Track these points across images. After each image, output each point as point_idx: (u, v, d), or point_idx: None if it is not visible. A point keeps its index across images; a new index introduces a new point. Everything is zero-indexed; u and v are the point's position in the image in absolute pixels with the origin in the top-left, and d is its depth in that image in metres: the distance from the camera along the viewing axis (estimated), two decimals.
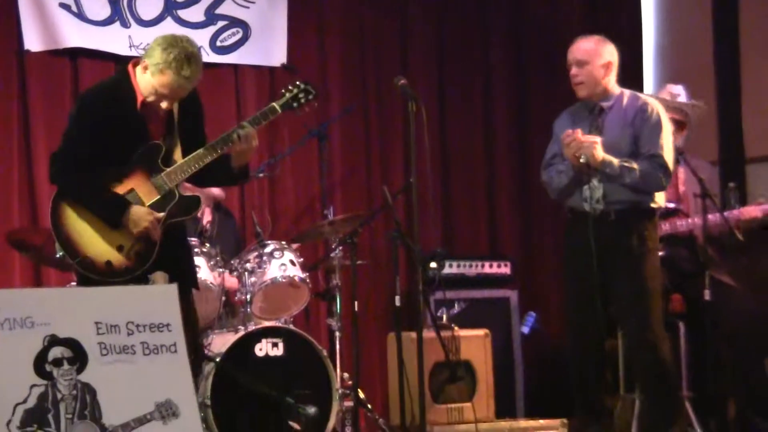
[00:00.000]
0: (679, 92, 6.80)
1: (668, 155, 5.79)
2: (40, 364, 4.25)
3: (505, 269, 8.09)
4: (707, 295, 5.99)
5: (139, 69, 5.12)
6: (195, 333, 5.39)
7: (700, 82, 8.23)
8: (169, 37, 5.11)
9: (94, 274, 5.01)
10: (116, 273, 5.01)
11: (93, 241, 5.03)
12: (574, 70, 5.93)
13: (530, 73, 8.99)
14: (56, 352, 4.27)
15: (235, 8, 7.87)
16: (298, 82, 5.51)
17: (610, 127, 5.86)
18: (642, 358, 5.91)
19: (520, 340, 7.92)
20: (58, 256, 5.02)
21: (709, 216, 6.24)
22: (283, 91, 5.48)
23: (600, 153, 5.73)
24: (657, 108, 5.91)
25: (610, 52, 5.92)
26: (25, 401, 4.20)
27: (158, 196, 5.14)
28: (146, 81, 5.08)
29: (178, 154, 5.21)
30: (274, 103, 5.40)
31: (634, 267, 5.79)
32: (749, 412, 6.72)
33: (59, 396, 4.24)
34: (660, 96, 6.66)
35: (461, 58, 8.75)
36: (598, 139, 5.75)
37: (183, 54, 5.03)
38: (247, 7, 7.91)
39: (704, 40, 8.72)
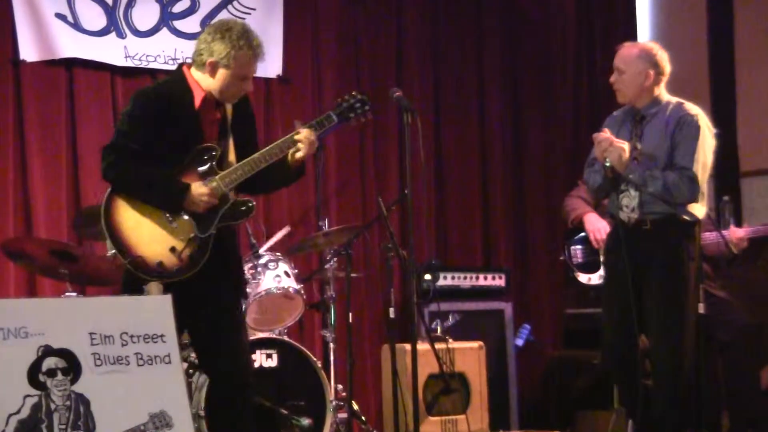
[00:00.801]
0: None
1: (700, 169, 5.71)
2: (34, 374, 4.24)
3: (499, 281, 8.08)
4: (702, 308, 5.97)
5: (195, 72, 5.05)
6: (244, 343, 5.24)
7: (695, 96, 8.22)
8: (214, 26, 5.08)
9: (146, 275, 4.89)
10: (168, 274, 4.90)
11: (146, 241, 4.92)
12: (613, 76, 5.90)
13: (526, 83, 9.01)
14: (50, 362, 4.27)
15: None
16: (354, 93, 5.41)
17: (649, 136, 5.80)
18: (664, 374, 5.85)
19: (514, 352, 7.92)
20: (108, 255, 4.92)
21: (706, 234, 6.25)
22: (339, 100, 5.39)
23: (626, 159, 5.71)
24: (699, 119, 5.82)
25: (652, 62, 5.83)
26: (18, 411, 4.19)
27: None
28: (216, 81, 5.01)
29: (232, 157, 5.13)
30: (330, 112, 5.32)
31: (666, 281, 5.75)
32: (743, 425, 6.72)
33: (53, 407, 4.24)
34: None
35: (456, 69, 8.77)
36: (626, 144, 5.71)
37: (241, 28, 5.03)
38: (243, 19, 7.88)
39: (699, 54, 8.75)
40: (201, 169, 5.02)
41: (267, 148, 5.13)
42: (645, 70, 5.83)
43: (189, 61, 5.17)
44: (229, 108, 5.16)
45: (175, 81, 5.12)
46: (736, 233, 6.57)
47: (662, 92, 5.89)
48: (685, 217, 5.78)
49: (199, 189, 4.96)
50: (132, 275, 4.92)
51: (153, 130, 4.95)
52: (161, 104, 4.99)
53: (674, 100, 5.90)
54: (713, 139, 5.87)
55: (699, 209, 5.82)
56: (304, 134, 5.17)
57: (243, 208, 5.12)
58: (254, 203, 5.18)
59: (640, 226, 5.76)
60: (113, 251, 4.88)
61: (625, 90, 5.86)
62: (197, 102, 5.04)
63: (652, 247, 5.75)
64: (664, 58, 5.89)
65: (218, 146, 5.07)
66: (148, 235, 4.94)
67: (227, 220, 5.08)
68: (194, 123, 5.04)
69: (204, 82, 5.04)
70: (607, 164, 5.68)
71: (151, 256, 4.91)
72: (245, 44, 5.00)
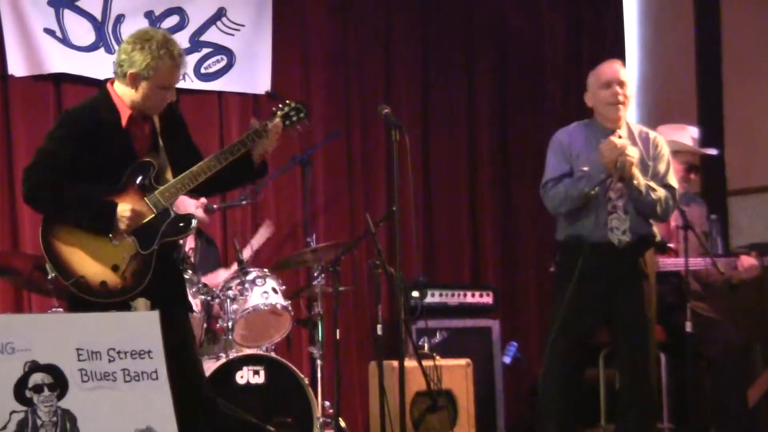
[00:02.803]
0: (697, 136, 6.88)
1: (677, 190, 5.94)
2: (20, 390, 4.23)
3: (487, 299, 8.09)
4: (689, 326, 5.99)
5: (118, 86, 4.98)
6: (197, 357, 5.25)
7: (683, 114, 8.27)
8: (134, 36, 4.98)
9: (89, 296, 4.83)
10: (112, 293, 4.84)
11: (87, 261, 4.84)
12: (617, 89, 5.87)
13: (514, 101, 9.03)
14: (37, 378, 4.25)
15: (220, 35, 7.89)
16: (288, 101, 5.42)
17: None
18: (638, 388, 5.88)
19: (501, 369, 7.92)
20: (49, 277, 4.89)
21: (700, 260, 6.29)
22: (274, 110, 5.37)
23: (636, 164, 5.74)
24: (665, 145, 6.00)
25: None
26: (4, 427, 4.17)
27: (153, 215, 4.97)
28: (138, 92, 4.93)
29: (169, 172, 5.08)
30: (266, 121, 5.27)
31: (640, 297, 5.81)
32: None
33: (39, 422, 4.22)
34: (681, 139, 6.71)
35: (445, 86, 8.79)
36: (636, 153, 5.74)
37: (162, 38, 4.95)
38: (232, 35, 7.93)
39: (687, 72, 8.77)
40: (140, 185, 4.96)
41: (206, 159, 5.07)
42: (633, 92, 5.93)
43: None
44: (156, 119, 5.09)
45: (99, 100, 5.01)
46: (747, 260, 6.56)
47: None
48: (658, 239, 5.97)
49: (121, 208, 4.88)
50: (75, 298, 4.87)
51: (80, 149, 4.85)
52: (88, 124, 4.90)
53: (630, 121, 6.05)
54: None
55: (656, 229, 5.99)
56: (273, 126, 5.22)
57: (182, 223, 5.06)
58: (195, 218, 5.14)
59: (620, 248, 5.80)
60: (54, 274, 4.83)
61: (627, 104, 5.90)
62: (124, 121, 4.96)
63: (627, 265, 5.81)
64: None
65: (154, 161, 5.01)
66: (89, 255, 4.86)
67: (168, 236, 5.02)
68: (124, 141, 4.96)
69: (127, 96, 4.96)
70: (618, 165, 5.68)
71: (93, 276, 4.85)
72: (166, 53, 4.91)
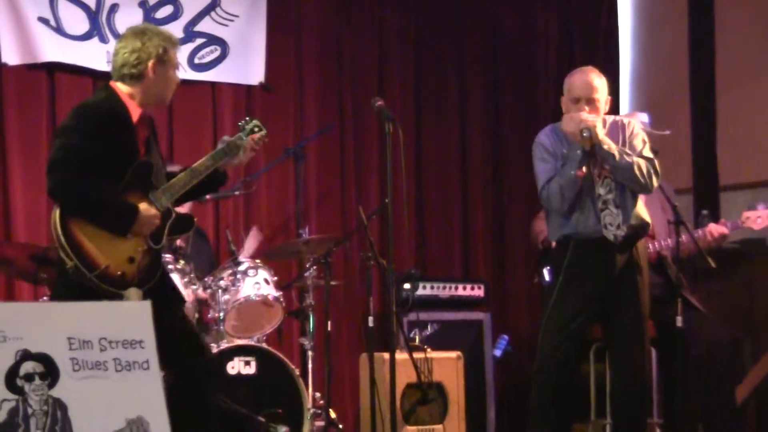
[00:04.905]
0: (647, 120, 6.87)
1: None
2: (11, 378, 4.22)
3: (478, 292, 8.10)
4: (679, 321, 6.00)
5: (122, 86, 5.03)
6: (202, 339, 5.35)
7: (676, 110, 8.30)
8: (130, 35, 5.08)
9: (110, 286, 4.84)
10: (130, 284, 4.88)
11: (106, 252, 4.85)
12: (583, 107, 5.81)
13: (506, 96, 9.04)
14: (28, 367, 4.25)
15: (214, 26, 7.89)
16: (247, 118, 5.50)
17: None
18: (634, 383, 5.89)
19: (492, 362, 7.93)
20: (68, 267, 4.86)
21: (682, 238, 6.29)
22: (241, 124, 5.44)
23: (601, 131, 5.73)
24: (636, 124, 5.96)
25: (607, 87, 5.93)
26: None
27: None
28: (160, 80, 5.05)
29: (163, 173, 5.14)
30: (234, 138, 5.34)
31: (635, 292, 5.79)
32: None
33: (30, 411, 4.22)
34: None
35: (438, 80, 8.80)
36: (594, 118, 5.75)
37: (152, 26, 5.18)
38: (226, 25, 7.93)
39: (680, 68, 8.78)
40: (142, 185, 4.99)
41: (200, 161, 5.18)
42: (608, 97, 5.92)
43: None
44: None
45: (110, 97, 5.02)
46: (716, 229, 6.58)
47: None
48: (648, 221, 5.90)
49: (149, 211, 4.94)
50: (76, 285, 4.86)
51: (98, 144, 4.86)
52: (105, 119, 4.93)
53: (606, 117, 5.97)
54: None
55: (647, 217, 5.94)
56: (247, 143, 5.32)
57: (186, 221, 5.21)
58: (194, 218, 5.31)
59: (622, 241, 5.80)
60: (73, 264, 4.79)
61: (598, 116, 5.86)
62: (134, 118, 5.01)
63: (622, 259, 5.80)
64: None
65: (152, 161, 5.07)
66: (108, 246, 4.87)
67: (174, 233, 5.12)
68: (133, 139, 5.00)
69: (137, 97, 5.03)
70: (585, 134, 5.68)
71: (114, 267, 4.87)
72: (167, 35, 5.10)
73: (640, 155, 5.78)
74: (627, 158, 5.71)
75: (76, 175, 4.81)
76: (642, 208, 5.87)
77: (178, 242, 6.76)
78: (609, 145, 5.70)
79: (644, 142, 5.86)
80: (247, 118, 5.49)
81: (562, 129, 5.83)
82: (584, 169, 5.72)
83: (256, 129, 5.40)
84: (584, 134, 5.67)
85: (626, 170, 5.72)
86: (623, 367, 5.91)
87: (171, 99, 5.27)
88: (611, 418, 6.17)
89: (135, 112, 5.01)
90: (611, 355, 6.02)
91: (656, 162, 5.77)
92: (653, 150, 6.63)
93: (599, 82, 5.87)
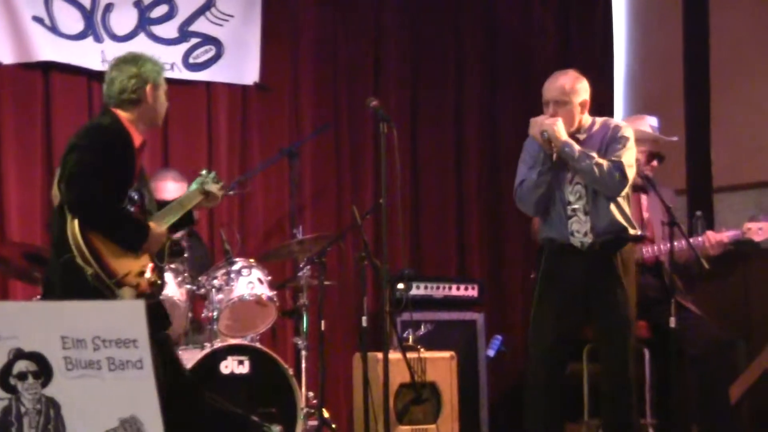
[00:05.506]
0: (656, 124, 6.86)
1: (629, 166, 5.77)
2: (4, 377, 4.22)
3: (472, 292, 8.11)
4: (673, 322, 6.01)
5: (121, 113, 5.17)
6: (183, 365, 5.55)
7: (670, 111, 8.29)
8: (125, 60, 5.30)
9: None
10: (142, 296, 5.00)
11: (121, 263, 5.00)
12: (552, 110, 5.84)
13: (501, 96, 9.04)
14: (21, 365, 4.25)
15: (209, 26, 7.89)
16: (206, 170, 5.72)
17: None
18: (617, 389, 5.90)
19: (485, 363, 7.93)
20: (89, 273, 4.93)
21: (676, 244, 6.27)
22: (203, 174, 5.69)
23: (563, 132, 5.74)
24: (626, 128, 5.91)
25: (585, 89, 5.88)
26: None
27: None
28: (156, 103, 5.24)
29: (152, 200, 5.34)
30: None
31: (619, 297, 5.80)
32: None
33: (23, 410, 4.22)
34: (640, 127, 6.71)
35: (433, 79, 8.79)
36: (559, 118, 5.76)
37: (140, 53, 5.35)
38: (221, 25, 7.92)
39: (675, 69, 8.79)
40: (140, 210, 5.15)
41: (185, 194, 5.53)
42: (584, 99, 5.88)
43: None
44: None
45: (116, 122, 5.16)
46: (716, 237, 6.58)
47: (587, 117, 5.95)
48: (633, 232, 5.88)
49: (157, 230, 5.13)
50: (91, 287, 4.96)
51: (109, 164, 4.99)
52: (115, 141, 5.08)
53: (598, 119, 5.97)
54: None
55: (634, 226, 5.93)
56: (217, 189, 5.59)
57: (177, 248, 5.53)
58: (185, 247, 5.75)
59: (592, 250, 5.80)
60: (93, 271, 4.90)
61: (567, 122, 5.84)
62: (137, 144, 5.16)
63: (602, 266, 5.80)
64: (587, 84, 5.95)
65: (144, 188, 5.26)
66: (122, 258, 5.01)
67: (173, 256, 5.44)
68: (133, 164, 5.14)
69: (136, 122, 5.20)
70: (544, 136, 5.70)
71: (130, 278, 5.01)
72: (155, 60, 5.33)
73: (611, 159, 5.75)
74: (587, 160, 5.71)
75: (96, 189, 4.93)
76: (622, 215, 5.85)
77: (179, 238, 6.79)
78: (571, 147, 5.71)
79: (622, 147, 5.80)
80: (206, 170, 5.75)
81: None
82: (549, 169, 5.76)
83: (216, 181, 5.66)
84: (543, 136, 5.71)
85: (586, 172, 5.74)
86: (606, 368, 5.97)
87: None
88: (601, 420, 6.20)
89: (137, 139, 5.17)
90: (598, 356, 6.07)
91: (624, 165, 5.73)
92: (659, 156, 6.65)
93: (571, 85, 5.85)
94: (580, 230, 5.81)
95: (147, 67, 5.20)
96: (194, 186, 5.55)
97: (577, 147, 5.74)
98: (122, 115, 5.16)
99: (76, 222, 4.89)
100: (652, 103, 8.60)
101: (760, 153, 8.21)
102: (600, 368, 6.06)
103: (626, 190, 5.82)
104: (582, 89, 5.88)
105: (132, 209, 5.08)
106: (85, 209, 4.93)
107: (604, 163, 5.72)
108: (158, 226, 5.14)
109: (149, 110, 5.21)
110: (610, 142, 5.84)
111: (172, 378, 5.11)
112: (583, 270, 5.79)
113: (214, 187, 5.55)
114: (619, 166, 5.72)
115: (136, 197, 5.10)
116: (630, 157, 5.82)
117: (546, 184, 5.84)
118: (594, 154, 5.73)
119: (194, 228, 7.36)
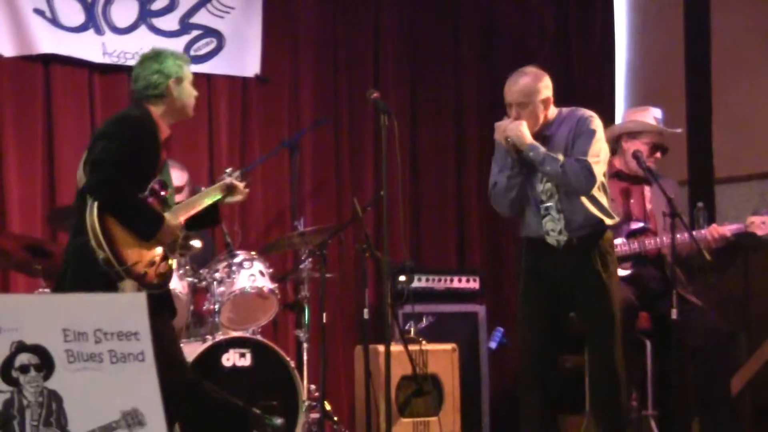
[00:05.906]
0: (660, 116, 6.85)
1: (596, 163, 5.69)
2: (6, 370, 4.22)
3: (473, 284, 8.10)
4: (674, 314, 6.00)
5: (154, 107, 5.28)
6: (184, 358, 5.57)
7: (672, 103, 8.28)
8: (147, 57, 5.38)
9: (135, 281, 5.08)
10: (148, 286, 5.05)
11: (134, 251, 5.06)
12: (515, 113, 5.79)
13: (501, 90, 8.95)
14: (23, 358, 4.25)
15: (210, 18, 7.88)
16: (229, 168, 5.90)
17: (556, 151, 5.80)
18: (604, 383, 5.91)
19: (487, 355, 7.93)
20: (100, 258, 4.97)
21: (678, 236, 6.26)
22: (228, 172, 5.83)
23: (527, 135, 5.72)
24: (593, 119, 5.82)
25: (546, 86, 5.84)
26: None
27: None
28: (183, 94, 5.35)
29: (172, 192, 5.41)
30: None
31: (601, 290, 5.79)
32: None
33: (25, 402, 4.22)
34: (644, 119, 6.70)
35: (433, 72, 8.79)
36: (523, 121, 5.73)
37: (161, 48, 5.45)
38: (222, 17, 7.92)
39: (676, 61, 8.78)
40: (159, 202, 5.21)
41: (206, 189, 5.63)
42: (546, 97, 5.83)
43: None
44: None
45: (146, 115, 5.27)
46: (719, 231, 6.57)
47: (552, 110, 5.90)
48: (609, 222, 5.84)
49: (172, 221, 5.19)
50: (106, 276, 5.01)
51: (135, 154, 5.10)
52: (143, 132, 5.19)
53: (564, 109, 5.92)
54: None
55: (611, 215, 5.89)
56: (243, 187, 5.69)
57: (191, 241, 5.45)
58: (199, 242, 5.66)
59: (569, 246, 5.80)
60: (105, 255, 4.95)
61: (531, 122, 5.82)
62: (162, 137, 5.27)
63: (581, 261, 5.79)
64: (549, 79, 5.91)
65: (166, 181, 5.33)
66: (135, 247, 5.07)
67: (183, 249, 5.39)
68: (158, 156, 5.25)
69: (163, 116, 5.32)
70: (509, 141, 5.70)
71: (139, 265, 5.06)
72: (178, 54, 5.46)
73: (578, 158, 5.70)
74: (553, 164, 5.67)
75: (118, 176, 5.01)
76: (597, 207, 5.81)
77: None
78: (536, 150, 5.69)
79: (588, 142, 5.73)
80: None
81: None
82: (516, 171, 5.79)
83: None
84: (508, 141, 5.70)
85: (552, 175, 5.73)
86: (592, 362, 6.02)
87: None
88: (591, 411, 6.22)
89: (164, 133, 5.28)
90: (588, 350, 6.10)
91: (591, 164, 5.67)
92: (662, 148, 6.64)
93: (531, 85, 5.81)
94: (555, 228, 5.81)
95: (168, 62, 5.29)
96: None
97: (542, 150, 5.70)
98: (151, 108, 5.29)
99: (95, 206, 4.96)
100: (654, 95, 8.59)
101: (761, 144, 8.21)
102: (587, 363, 6.10)
103: (598, 182, 5.77)
104: (543, 87, 5.82)
105: (151, 200, 5.13)
106: (105, 192, 5.00)
107: (570, 163, 5.68)
108: (174, 218, 5.19)
109: (175, 102, 5.32)
110: (576, 137, 5.78)
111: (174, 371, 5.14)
112: (562, 267, 5.79)
113: (237, 182, 5.66)
114: (585, 166, 5.66)
115: (157, 188, 5.17)
116: (596, 150, 5.73)
117: (517, 187, 5.84)
118: (559, 156, 5.70)
119: None
